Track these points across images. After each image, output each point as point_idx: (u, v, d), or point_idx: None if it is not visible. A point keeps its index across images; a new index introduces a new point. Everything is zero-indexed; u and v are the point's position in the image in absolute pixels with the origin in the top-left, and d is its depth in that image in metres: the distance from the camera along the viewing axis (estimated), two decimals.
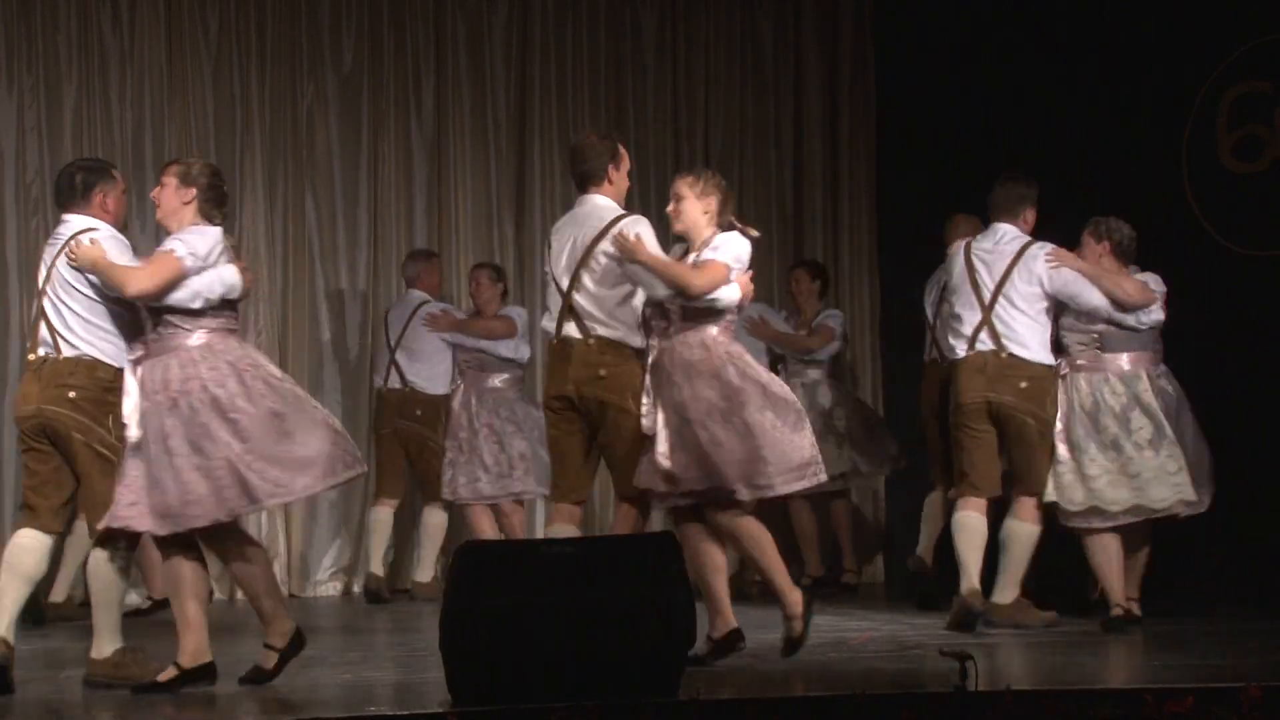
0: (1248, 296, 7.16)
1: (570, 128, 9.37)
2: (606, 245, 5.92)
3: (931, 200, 8.72)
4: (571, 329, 5.97)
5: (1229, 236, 7.52)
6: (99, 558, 5.60)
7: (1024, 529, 6.80)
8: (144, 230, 8.61)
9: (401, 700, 5.33)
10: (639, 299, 5.96)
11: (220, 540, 5.54)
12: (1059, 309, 6.83)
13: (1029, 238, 6.87)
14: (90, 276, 5.54)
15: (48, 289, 5.65)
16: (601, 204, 6.02)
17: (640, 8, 9.47)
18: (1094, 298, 6.72)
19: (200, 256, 5.45)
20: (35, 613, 7.92)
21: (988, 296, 6.81)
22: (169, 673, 5.50)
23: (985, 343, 6.79)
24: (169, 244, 5.50)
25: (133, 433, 5.44)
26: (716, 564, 5.93)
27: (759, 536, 5.91)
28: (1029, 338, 6.78)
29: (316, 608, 8.46)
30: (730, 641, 5.84)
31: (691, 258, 5.94)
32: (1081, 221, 7.74)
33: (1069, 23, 8.34)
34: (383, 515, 8.59)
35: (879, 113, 9.66)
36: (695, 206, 6.00)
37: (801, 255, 9.38)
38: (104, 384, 5.55)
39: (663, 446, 5.82)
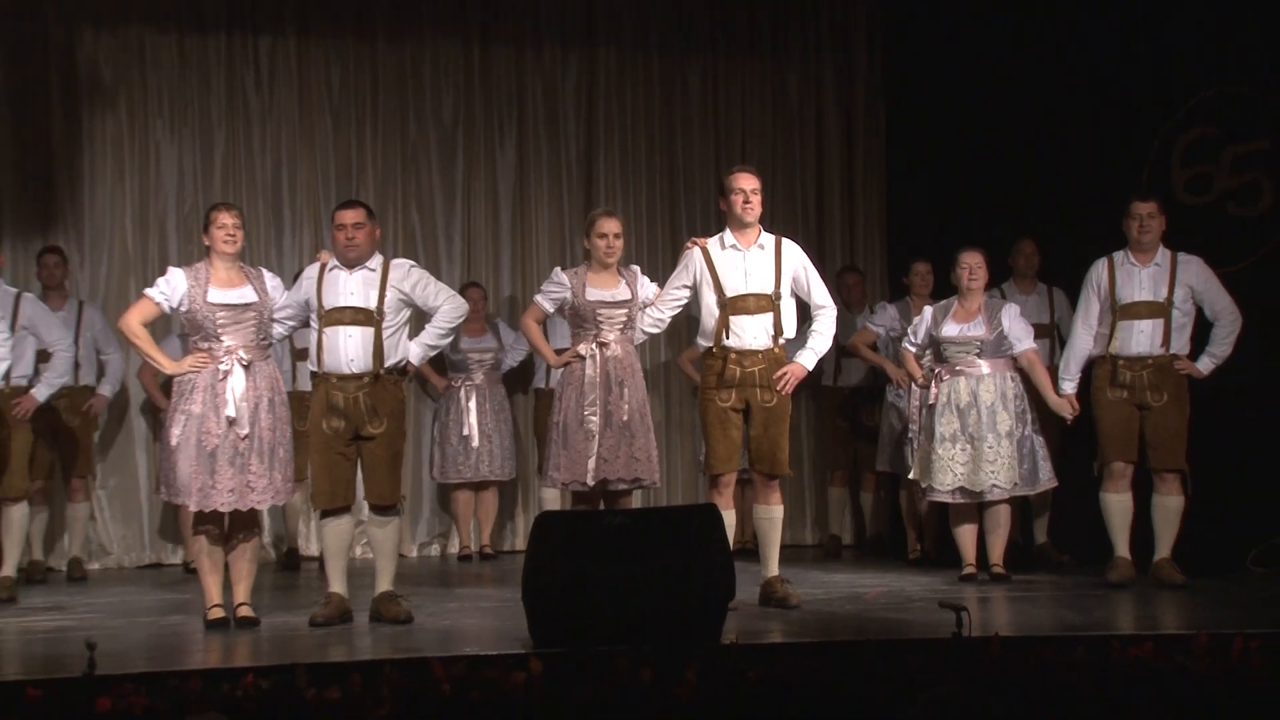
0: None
1: (630, 168, 9.38)
2: None
3: (931, 223, 8.74)
4: None
5: None
6: (391, 524, 6.01)
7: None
8: (280, 261, 8.69)
9: (491, 643, 5.34)
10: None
11: None
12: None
13: None
14: None
15: None
16: None
17: (687, 69, 9.46)
18: None
19: None
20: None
21: None
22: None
23: None
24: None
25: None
26: None
27: None
28: None
29: (421, 566, 8.49)
30: None
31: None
32: (1059, 242, 7.72)
33: (1047, 78, 8.32)
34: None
35: (888, 151, 9.61)
36: None
37: (822, 267, 9.32)
38: None
39: None
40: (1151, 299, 6.62)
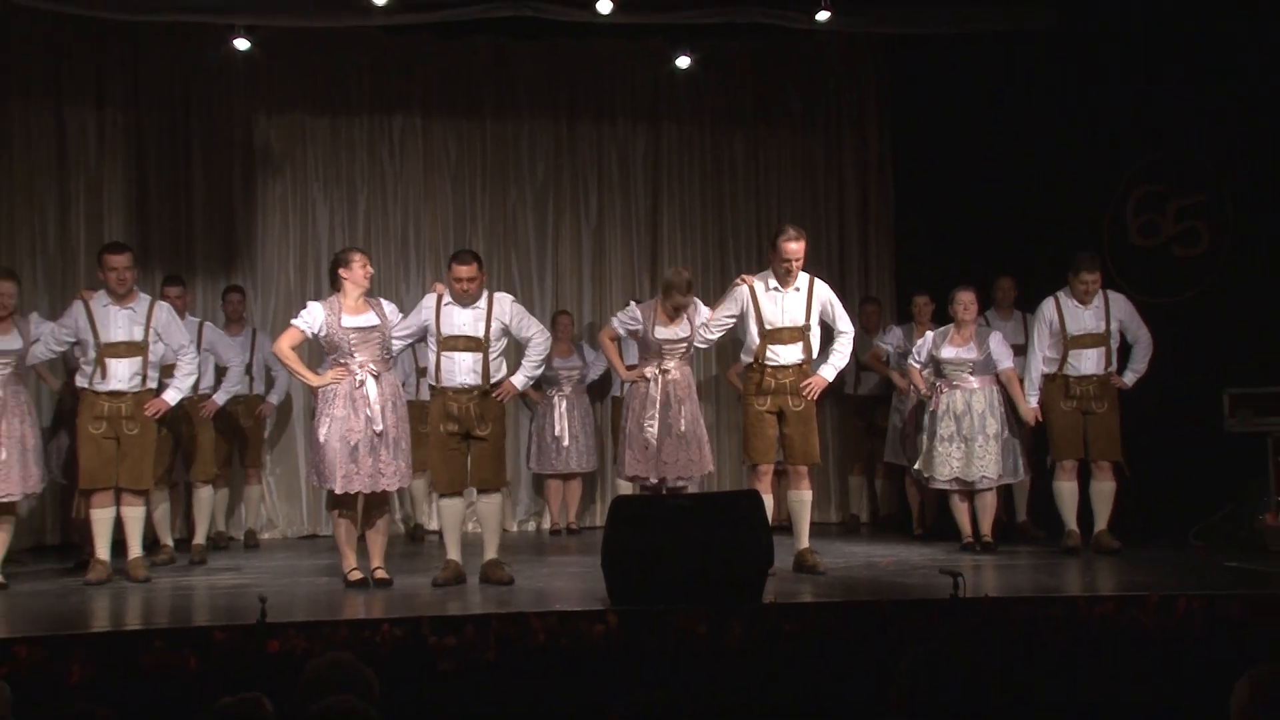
0: (1150, 330, 7.00)
1: (687, 220, 9.38)
2: None
3: (931, 262, 8.70)
4: None
5: (1136, 289, 7.40)
6: (496, 504, 6.00)
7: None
8: (407, 292, 8.78)
9: (576, 600, 5.35)
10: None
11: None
12: None
13: None
14: None
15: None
16: None
17: (734, 140, 9.44)
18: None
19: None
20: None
21: None
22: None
23: None
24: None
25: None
26: None
27: None
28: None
29: (520, 538, 8.52)
30: None
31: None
32: (1035, 277, 7.64)
33: (1023, 145, 8.26)
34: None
35: (895, 204, 9.54)
36: None
37: (844, 297, 9.25)
38: None
39: None
40: (1095, 331, 6.83)
